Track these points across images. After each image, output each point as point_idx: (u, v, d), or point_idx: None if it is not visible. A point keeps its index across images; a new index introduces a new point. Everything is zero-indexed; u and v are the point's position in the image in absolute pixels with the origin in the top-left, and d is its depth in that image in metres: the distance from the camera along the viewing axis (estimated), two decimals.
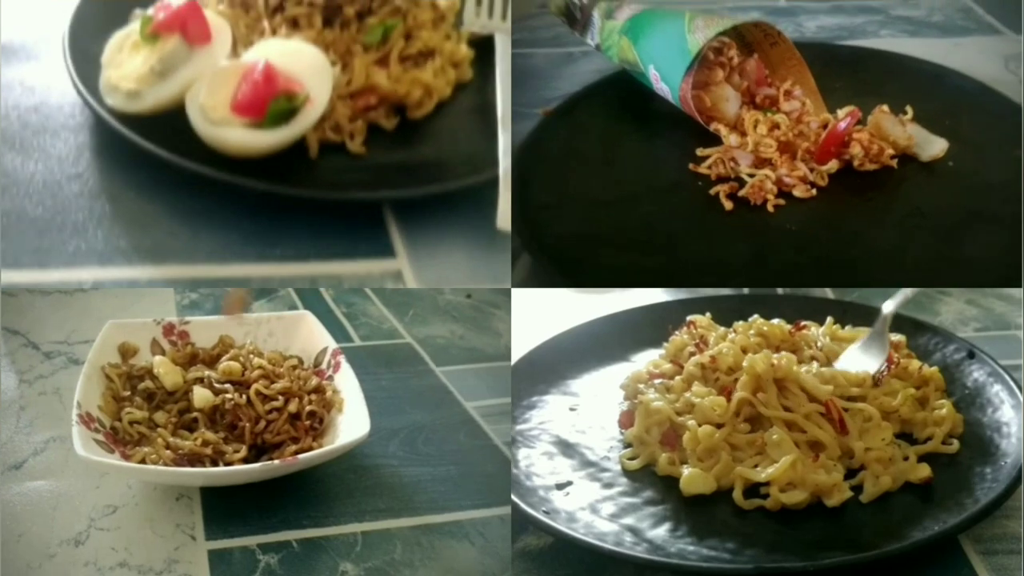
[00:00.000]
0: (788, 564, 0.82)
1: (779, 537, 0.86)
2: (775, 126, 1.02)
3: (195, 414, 1.02)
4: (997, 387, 1.00)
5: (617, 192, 1.00)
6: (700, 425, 0.94)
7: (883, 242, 0.93)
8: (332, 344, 1.14)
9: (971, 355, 1.05)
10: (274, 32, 0.99)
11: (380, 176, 0.92)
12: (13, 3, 1.20)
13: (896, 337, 1.06)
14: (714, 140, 1.03)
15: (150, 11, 0.95)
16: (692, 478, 0.92)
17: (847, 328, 1.09)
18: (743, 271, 0.91)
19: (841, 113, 1.01)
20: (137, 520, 0.96)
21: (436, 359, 1.31)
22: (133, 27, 0.96)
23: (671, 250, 0.93)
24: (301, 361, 1.14)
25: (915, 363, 1.03)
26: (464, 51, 1.04)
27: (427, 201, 0.93)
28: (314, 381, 1.09)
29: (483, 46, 1.08)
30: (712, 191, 0.98)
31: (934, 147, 1.01)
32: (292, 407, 1.03)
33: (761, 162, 0.99)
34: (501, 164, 0.90)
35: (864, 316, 1.11)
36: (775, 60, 1.07)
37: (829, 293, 1.25)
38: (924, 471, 0.91)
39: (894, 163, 1.00)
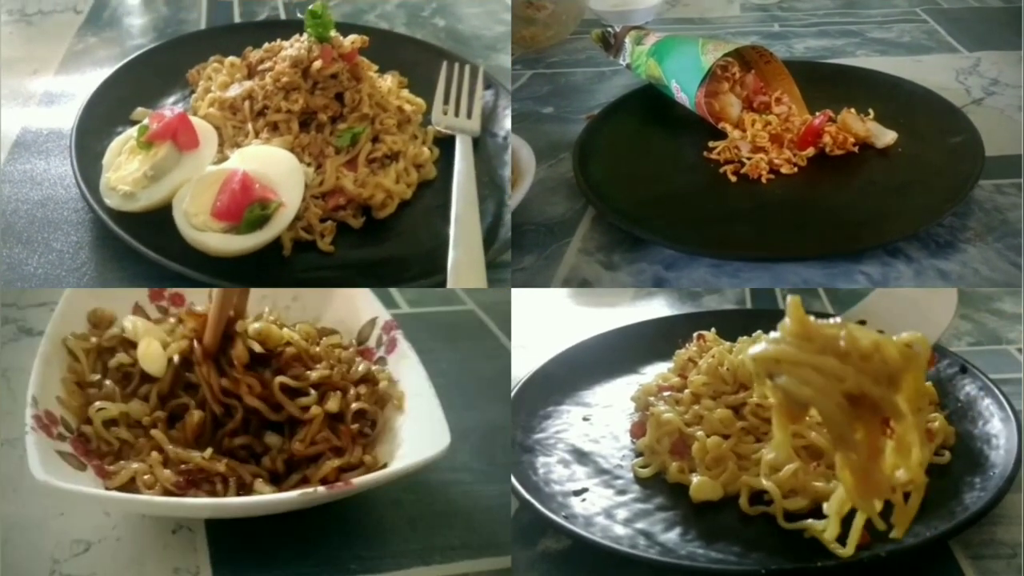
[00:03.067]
0: (790, 566, 0.86)
1: (781, 541, 0.90)
2: (767, 124, 1.23)
3: (184, 400, 0.82)
4: (987, 401, 1.04)
5: (652, 171, 1.22)
6: (708, 436, 0.98)
7: (844, 201, 1.13)
8: (384, 314, 0.95)
9: (963, 370, 1.10)
10: (257, 134, 1.04)
11: (347, 274, 0.94)
12: (23, 97, 1.25)
13: None
14: (722, 135, 1.24)
15: (146, 120, 1.00)
16: (701, 486, 0.95)
17: None
18: (744, 221, 1.11)
19: (818, 114, 1.22)
20: (119, 561, 0.74)
21: (508, 332, 1.12)
22: (131, 132, 1.00)
23: (694, 208, 1.14)
24: (340, 338, 0.93)
25: None
26: (426, 153, 1.08)
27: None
28: (361, 366, 0.87)
29: (449, 144, 1.12)
30: (721, 170, 1.19)
31: (887, 137, 1.21)
32: (332, 405, 0.82)
33: (757, 149, 1.20)
34: (451, 256, 0.92)
35: None
36: (768, 75, 1.29)
37: (829, 308, 1.32)
38: None
39: (855, 149, 1.20)
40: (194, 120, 1.01)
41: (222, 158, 1.02)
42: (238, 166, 0.96)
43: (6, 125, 1.18)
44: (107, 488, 0.77)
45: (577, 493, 0.98)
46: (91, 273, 0.95)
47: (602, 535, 0.90)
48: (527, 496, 0.94)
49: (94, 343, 0.90)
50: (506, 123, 1.16)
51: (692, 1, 1.89)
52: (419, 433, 0.81)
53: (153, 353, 0.88)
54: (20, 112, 1.22)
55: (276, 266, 0.94)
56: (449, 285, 0.91)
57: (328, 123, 1.06)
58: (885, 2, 1.80)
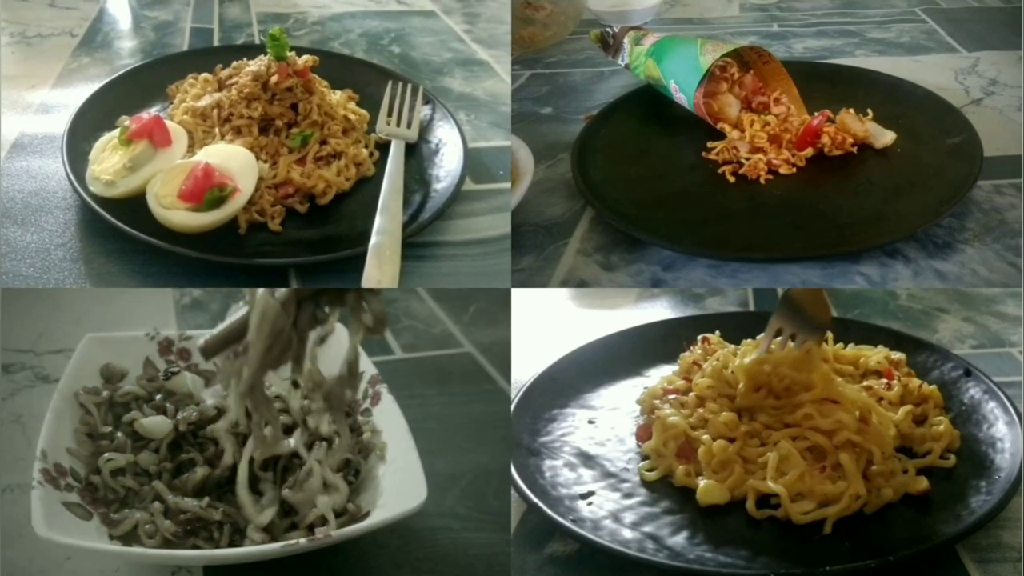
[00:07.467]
0: (797, 571, 0.86)
1: (788, 545, 0.90)
2: (766, 124, 1.23)
3: (193, 455, 0.89)
4: (992, 404, 1.05)
5: (651, 172, 1.22)
6: (714, 439, 0.99)
7: (843, 201, 1.13)
8: (371, 368, 0.99)
9: (968, 373, 1.11)
10: (223, 137, 1.19)
11: (290, 248, 1.08)
12: (21, 107, 1.37)
13: (897, 355, 1.12)
14: (720, 135, 1.24)
15: (127, 122, 1.15)
16: (707, 489, 0.96)
17: (849, 346, 1.14)
18: (743, 221, 1.11)
19: (816, 115, 1.22)
20: None
21: (507, 374, 1.13)
22: (114, 132, 1.15)
23: (692, 209, 1.14)
24: None
25: (915, 381, 1.08)
26: (364, 153, 1.22)
27: (322, 265, 1.06)
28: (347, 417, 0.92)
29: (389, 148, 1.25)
30: (720, 171, 1.19)
31: (885, 137, 1.21)
32: (319, 453, 0.88)
33: (755, 149, 1.20)
34: (373, 239, 1.04)
35: (866, 334, 1.17)
36: (767, 75, 1.29)
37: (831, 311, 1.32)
38: (923, 484, 0.95)
39: (854, 150, 1.20)
40: (168, 123, 1.16)
41: (191, 156, 1.15)
42: (202, 159, 1.10)
43: (6, 130, 1.28)
44: (111, 536, 0.82)
45: (584, 496, 0.98)
46: (75, 247, 1.08)
47: (610, 539, 0.90)
48: (535, 499, 0.94)
49: (105, 397, 0.95)
50: (439, 132, 1.28)
51: (691, 1, 1.90)
52: (399, 484, 0.85)
53: (151, 425, 0.93)
54: (19, 119, 1.32)
55: (232, 242, 1.08)
56: (367, 263, 1.02)
57: (284, 128, 1.20)
58: (884, 2, 1.81)
